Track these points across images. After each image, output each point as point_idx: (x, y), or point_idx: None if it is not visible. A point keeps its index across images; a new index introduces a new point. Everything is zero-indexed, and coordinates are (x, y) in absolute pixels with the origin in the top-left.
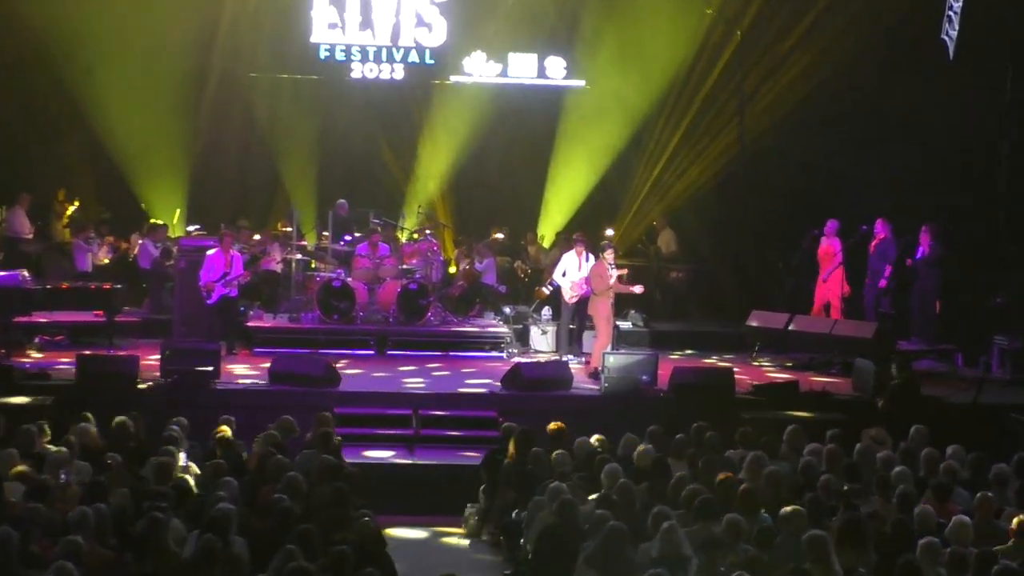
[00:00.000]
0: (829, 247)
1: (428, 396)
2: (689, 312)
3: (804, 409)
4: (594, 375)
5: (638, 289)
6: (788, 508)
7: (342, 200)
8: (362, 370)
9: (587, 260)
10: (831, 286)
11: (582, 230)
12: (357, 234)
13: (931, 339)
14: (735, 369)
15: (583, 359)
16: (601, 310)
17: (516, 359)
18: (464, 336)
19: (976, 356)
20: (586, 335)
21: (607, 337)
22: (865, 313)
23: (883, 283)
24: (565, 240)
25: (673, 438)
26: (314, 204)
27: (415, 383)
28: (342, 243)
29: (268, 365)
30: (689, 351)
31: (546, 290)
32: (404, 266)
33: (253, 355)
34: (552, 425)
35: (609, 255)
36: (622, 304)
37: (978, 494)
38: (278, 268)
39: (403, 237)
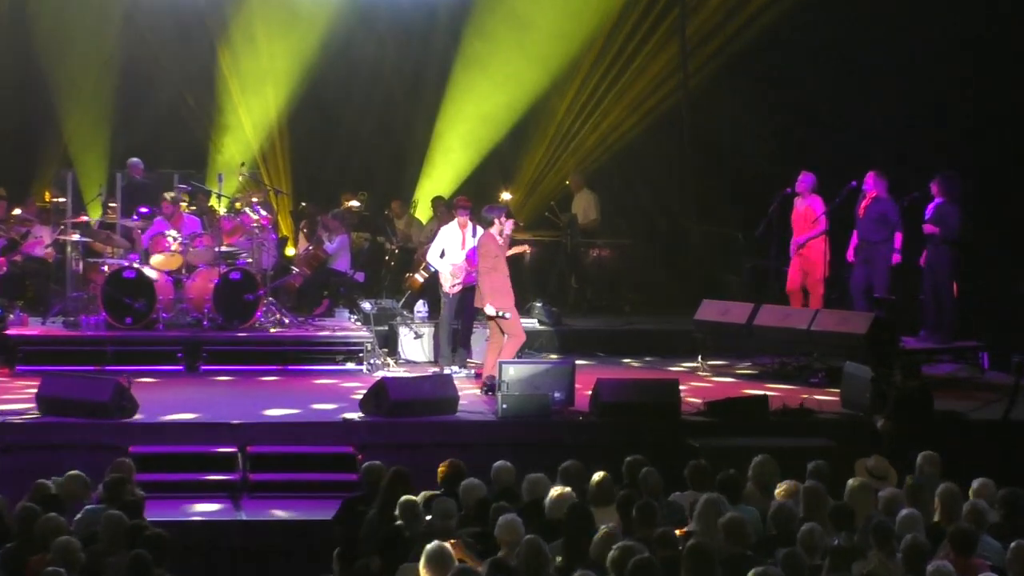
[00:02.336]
0: (807, 210)
1: (259, 427)
2: (616, 304)
3: (776, 433)
4: (488, 389)
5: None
6: (756, 571)
7: (135, 159)
8: (168, 393)
9: (473, 235)
10: (810, 263)
11: (468, 194)
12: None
13: (947, 334)
14: (681, 383)
15: (472, 371)
16: (502, 294)
17: (380, 373)
18: (308, 343)
19: (1006, 356)
20: (477, 336)
21: (518, 339)
22: (854, 300)
23: (896, 257)
24: (445, 208)
25: (598, 478)
26: (103, 165)
27: (241, 409)
28: (136, 218)
29: (36, 389)
30: (619, 359)
31: (420, 277)
32: (223, 248)
33: (14, 375)
34: (443, 467)
35: (501, 227)
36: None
37: (1012, 544)
38: (47, 254)
39: (221, 208)
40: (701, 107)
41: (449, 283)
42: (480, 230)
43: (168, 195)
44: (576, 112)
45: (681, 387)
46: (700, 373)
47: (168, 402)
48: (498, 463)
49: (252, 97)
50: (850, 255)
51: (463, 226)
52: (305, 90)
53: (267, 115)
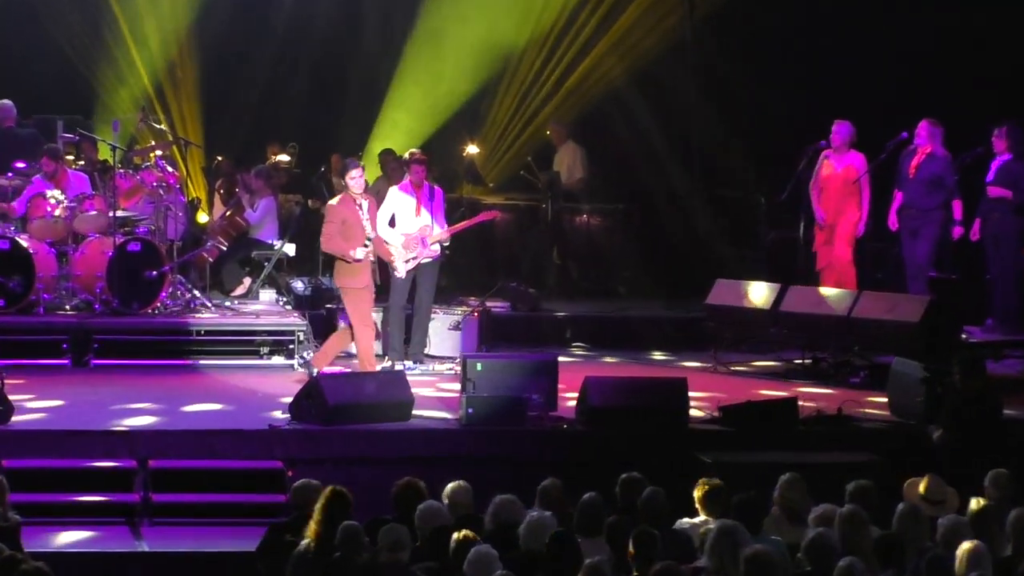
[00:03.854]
0: (844, 167)
1: (164, 436)
2: (608, 285)
3: (807, 446)
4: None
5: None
6: None
7: (6, 101)
8: (49, 393)
9: (431, 198)
10: (846, 233)
11: (427, 148)
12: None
13: (1018, 323)
14: (689, 383)
15: (430, 367)
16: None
17: (314, 370)
18: (224, 332)
19: None
20: (437, 324)
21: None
22: (908, 280)
23: (958, 230)
24: (396, 164)
25: (585, 500)
26: None
27: (141, 414)
28: (9, 175)
29: None
30: (611, 354)
31: (360, 253)
32: (119, 212)
33: None
34: (396, 487)
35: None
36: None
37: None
38: None
39: (115, 162)
40: (710, 40)
41: (402, 259)
42: (438, 190)
43: (50, 146)
44: (556, 45)
45: (689, 388)
46: (713, 371)
47: (51, 406)
48: (452, 484)
49: (149, 21)
50: (892, 222)
51: (417, 187)
52: (219, 11)
53: (169, 45)
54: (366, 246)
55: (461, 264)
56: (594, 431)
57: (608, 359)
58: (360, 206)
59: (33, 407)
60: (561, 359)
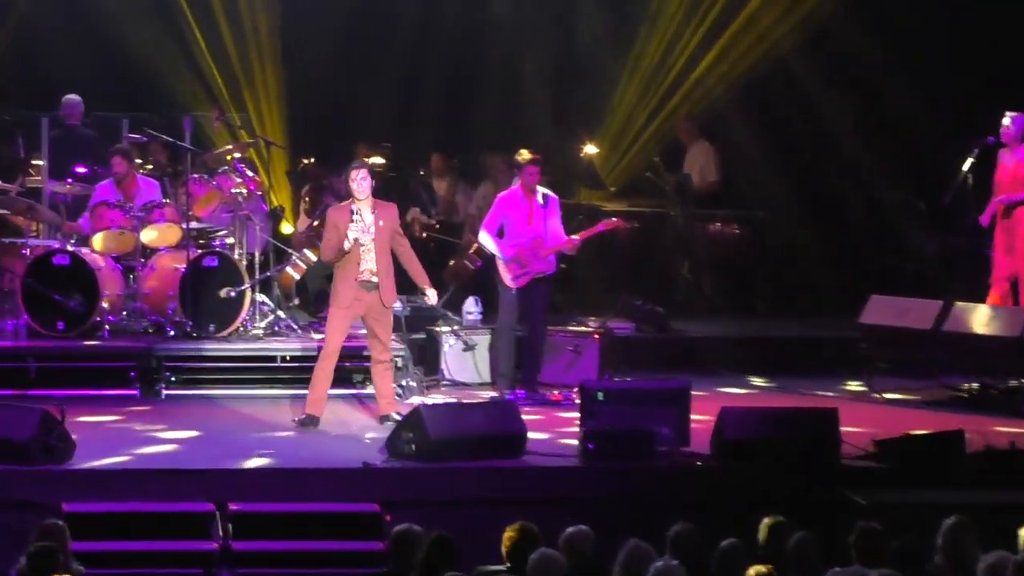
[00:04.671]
0: (1016, 165)
1: (245, 476)
2: (746, 301)
3: (975, 485)
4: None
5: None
6: None
7: (73, 96)
8: (115, 428)
9: (544, 204)
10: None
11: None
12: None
13: None
14: (840, 413)
15: (547, 394)
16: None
17: (415, 400)
18: (312, 358)
19: None
20: (553, 347)
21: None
22: None
23: None
24: (505, 166)
25: (723, 548)
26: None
27: (219, 451)
28: (68, 180)
29: None
30: (750, 380)
31: (469, 265)
32: (193, 222)
33: None
34: (508, 532)
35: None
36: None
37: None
38: None
39: (187, 166)
40: (861, 19)
41: (513, 274)
42: (551, 195)
43: (121, 146)
44: (690, 32)
45: (840, 419)
46: (867, 399)
47: (116, 441)
48: (571, 529)
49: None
50: None
51: (529, 191)
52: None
53: (251, 30)
54: (355, 243)
55: (578, 279)
56: (732, 468)
57: (746, 387)
58: (357, 212)
59: (97, 444)
60: (694, 385)
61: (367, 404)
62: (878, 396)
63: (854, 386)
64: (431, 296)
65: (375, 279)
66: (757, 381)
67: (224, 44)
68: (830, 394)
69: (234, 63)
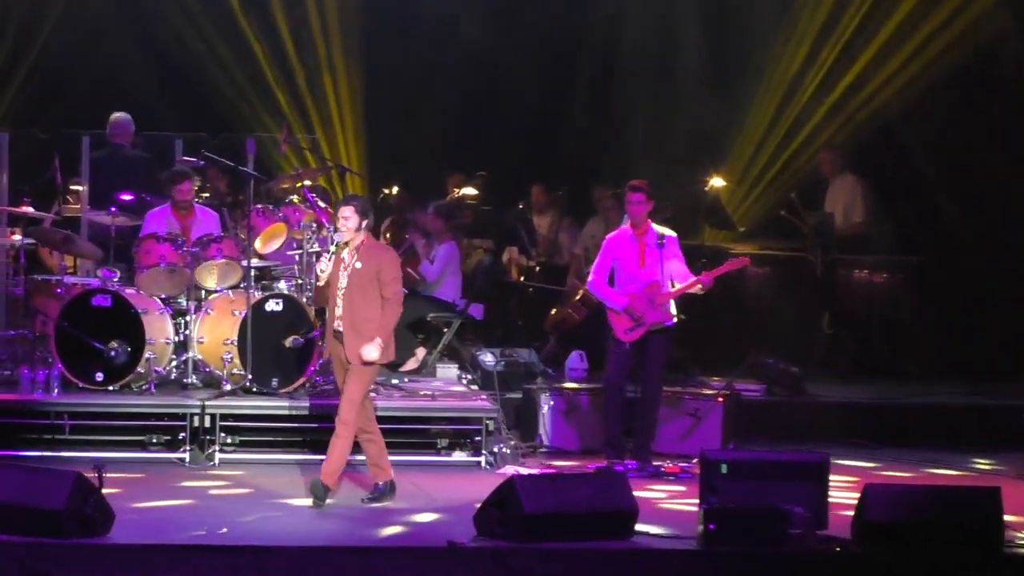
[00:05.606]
0: None
1: (308, 555)
2: (896, 362)
3: None
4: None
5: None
6: None
7: (122, 114)
8: (162, 496)
9: (659, 244)
10: None
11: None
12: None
13: None
14: (1005, 492)
15: (662, 466)
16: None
17: (509, 469)
18: (391, 418)
19: None
20: (670, 411)
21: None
22: None
23: None
24: (615, 201)
25: None
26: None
27: (277, 525)
28: (112, 209)
29: None
30: (899, 454)
31: (575, 314)
32: (255, 261)
33: None
34: None
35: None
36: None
37: None
38: None
39: (250, 195)
40: None
41: (622, 326)
42: (668, 234)
43: (182, 169)
44: (832, 47)
45: (1005, 501)
46: None
47: (162, 511)
48: None
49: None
50: None
51: (639, 230)
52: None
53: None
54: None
55: (700, 333)
56: (876, 555)
57: (893, 461)
58: (337, 255)
59: (139, 514)
60: (833, 460)
61: (451, 474)
62: None
63: (1022, 463)
64: (366, 351)
65: (340, 329)
66: (908, 455)
67: (288, 56)
68: (995, 470)
69: (298, 76)
